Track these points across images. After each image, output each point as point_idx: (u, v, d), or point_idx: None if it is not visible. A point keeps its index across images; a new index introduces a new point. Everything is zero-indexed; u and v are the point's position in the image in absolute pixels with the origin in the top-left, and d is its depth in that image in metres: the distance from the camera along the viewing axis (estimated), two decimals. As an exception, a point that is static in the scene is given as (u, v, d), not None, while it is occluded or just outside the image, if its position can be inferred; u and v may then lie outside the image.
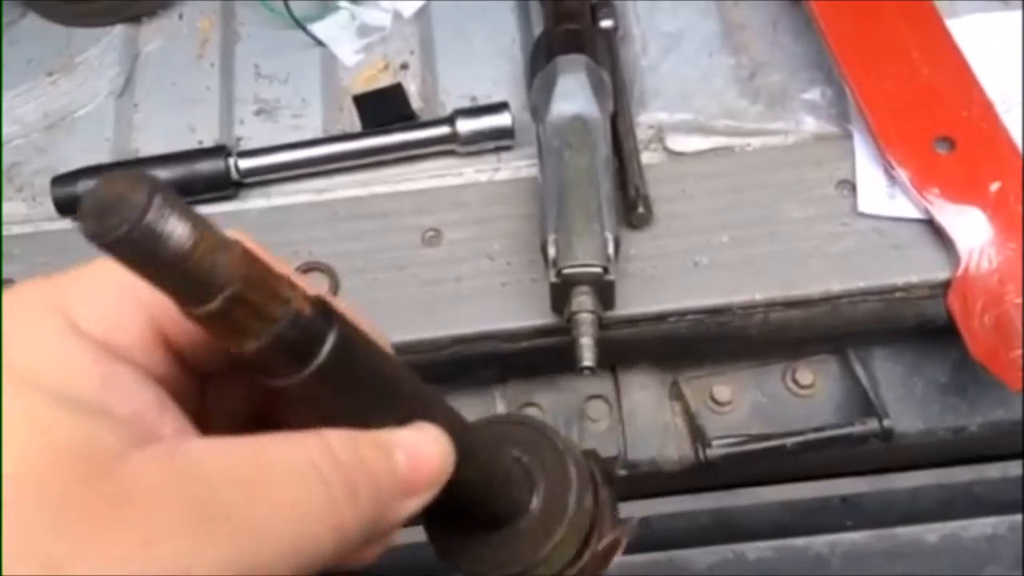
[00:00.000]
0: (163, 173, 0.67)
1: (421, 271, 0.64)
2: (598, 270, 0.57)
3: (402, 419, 0.30)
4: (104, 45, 0.77)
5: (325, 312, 0.27)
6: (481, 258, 0.65)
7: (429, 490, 0.30)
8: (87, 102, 0.75)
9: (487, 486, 0.34)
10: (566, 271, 0.57)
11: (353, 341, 0.28)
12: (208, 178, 0.68)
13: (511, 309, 0.62)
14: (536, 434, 0.38)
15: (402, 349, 0.62)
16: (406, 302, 0.63)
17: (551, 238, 0.58)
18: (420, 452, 0.30)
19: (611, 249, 0.58)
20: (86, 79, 0.75)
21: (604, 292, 0.58)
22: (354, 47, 0.77)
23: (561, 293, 0.58)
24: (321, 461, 0.27)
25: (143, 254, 0.23)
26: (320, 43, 0.77)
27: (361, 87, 0.75)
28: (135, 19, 0.79)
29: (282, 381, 0.27)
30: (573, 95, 0.64)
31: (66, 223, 0.69)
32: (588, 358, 0.55)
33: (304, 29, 0.76)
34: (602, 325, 0.60)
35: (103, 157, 0.72)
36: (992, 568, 0.66)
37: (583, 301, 0.56)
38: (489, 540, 0.36)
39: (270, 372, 0.27)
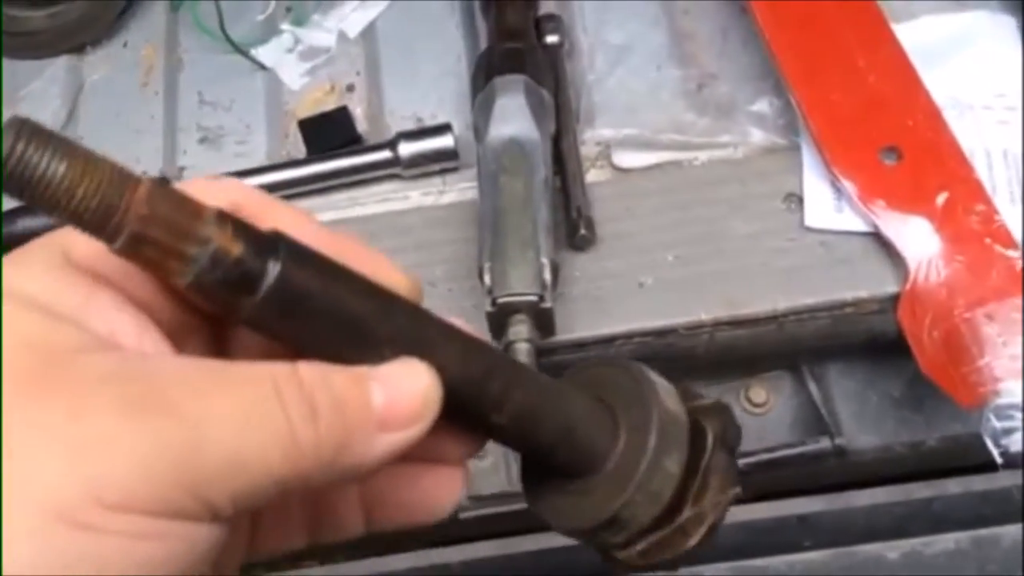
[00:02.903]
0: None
1: (362, 300, 0.63)
2: (533, 298, 0.56)
3: (385, 358, 0.29)
4: (47, 77, 0.77)
5: (264, 247, 0.27)
6: (423, 285, 0.63)
7: (409, 427, 0.28)
8: (31, 136, 0.74)
9: (531, 433, 0.32)
10: (501, 300, 0.56)
11: (305, 276, 0.28)
12: (148, 211, 0.67)
13: (453, 337, 0.61)
14: (632, 382, 0.34)
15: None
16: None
17: (486, 266, 0.57)
18: (398, 386, 0.28)
19: (547, 275, 0.57)
20: (29, 114, 0.74)
21: (542, 319, 0.57)
22: (299, 70, 0.76)
23: (498, 322, 0.57)
24: (280, 378, 0.26)
25: (22, 190, 0.25)
26: (264, 67, 0.76)
27: (307, 111, 0.74)
28: (79, 49, 0.78)
29: (233, 315, 0.27)
30: (511, 117, 0.63)
31: (8, 261, 0.68)
32: (523, 389, 0.54)
33: (245, 54, 0.75)
34: (547, 350, 0.60)
35: (46, 192, 0.71)
36: (955, 584, 0.65)
37: (519, 330, 0.56)
38: (566, 489, 0.34)
39: (217, 307, 0.28)
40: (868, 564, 0.66)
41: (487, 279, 0.57)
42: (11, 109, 0.75)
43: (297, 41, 0.77)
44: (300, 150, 0.72)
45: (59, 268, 0.28)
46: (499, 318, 0.57)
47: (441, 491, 0.32)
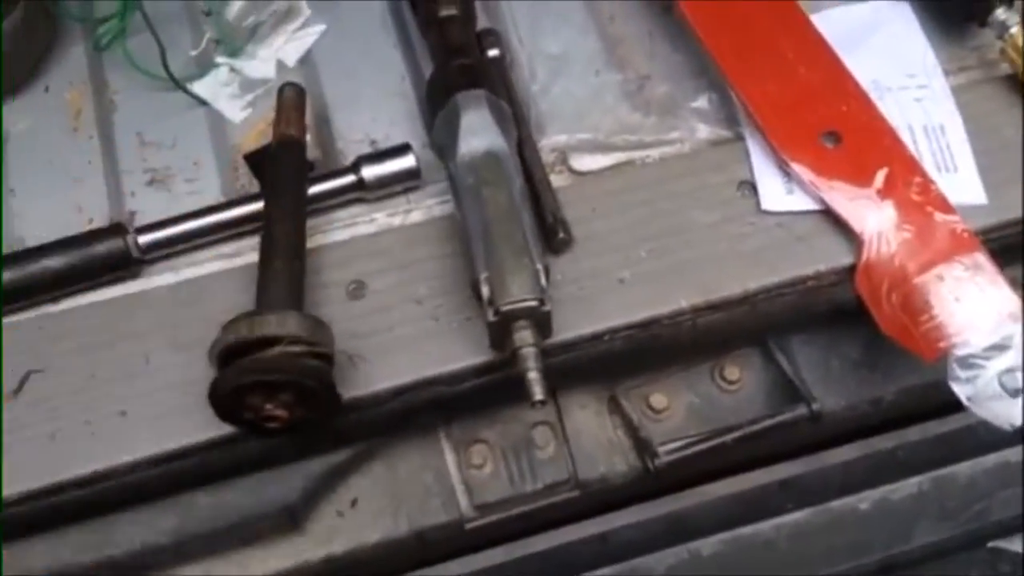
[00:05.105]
0: (55, 261, 0.64)
1: (350, 325, 0.63)
2: (535, 303, 0.57)
3: None
4: (-32, 130, 0.73)
5: None
6: (409, 303, 0.64)
7: None
8: (-42, 194, 0.70)
9: None
10: (504, 308, 0.57)
11: None
12: (107, 260, 0.65)
13: (448, 351, 0.62)
14: None
15: (345, 407, 0.61)
16: (338, 359, 0.62)
17: (483, 277, 0.58)
18: None
19: (543, 280, 0.58)
20: (-47, 169, 0.70)
21: (542, 323, 0.59)
22: (240, 103, 0.75)
23: (500, 331, 0.58)
24: None
25: None
26: (203, 102, 0.74)
27: (253, 143, 0.73)
28: (-3, 98, 0.74)
29: None
30: (479, 131, 0.64)
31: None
32: (538, 392, 0.56)
33: (184, 89, 0.73)
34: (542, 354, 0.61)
35: (-14, 250, 0.67)
36: (922, 523, 0.71)
37: (524, 336, 0.57)
38: None
39: None
40: (844, 516, 0.71)
41: (485, 291, 0.58)
42: (-67, 166, 0.71)
43: (234, 73, 0.75)
44: (254, 183, 0.70)
45: None
46: (502, 327, 0.58)
47: None
